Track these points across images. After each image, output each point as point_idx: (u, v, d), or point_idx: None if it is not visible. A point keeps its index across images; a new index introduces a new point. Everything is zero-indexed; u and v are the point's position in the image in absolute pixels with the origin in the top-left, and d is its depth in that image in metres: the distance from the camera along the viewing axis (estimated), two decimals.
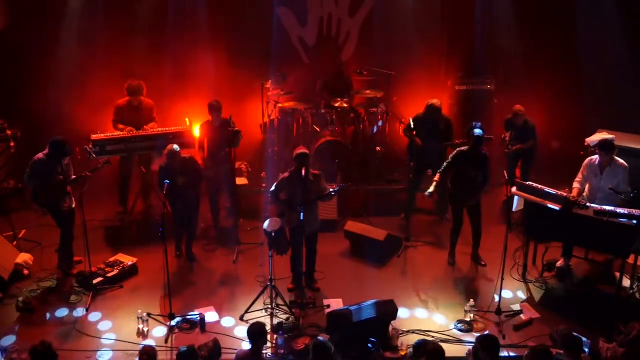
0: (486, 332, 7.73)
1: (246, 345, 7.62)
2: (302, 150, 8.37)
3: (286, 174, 8.38)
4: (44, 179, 8.54)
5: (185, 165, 9.01)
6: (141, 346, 7.03)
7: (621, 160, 8.49)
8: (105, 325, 8.08)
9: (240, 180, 10.49)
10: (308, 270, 8.77)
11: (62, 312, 8.30)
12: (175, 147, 8.93)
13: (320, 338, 6.51)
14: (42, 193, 8.58)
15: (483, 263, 9.22)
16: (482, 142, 8.76)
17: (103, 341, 7.81)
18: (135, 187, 10.58)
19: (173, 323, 8.00)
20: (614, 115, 10.70)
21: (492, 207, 9.17)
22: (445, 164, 8.94)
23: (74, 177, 8.71)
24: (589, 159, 8.66)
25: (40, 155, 8.60)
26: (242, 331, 7.94)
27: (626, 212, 7.91)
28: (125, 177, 10.38)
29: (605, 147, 8.44)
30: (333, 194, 8.37)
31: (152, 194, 10.48)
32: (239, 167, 10.76)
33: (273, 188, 8.44)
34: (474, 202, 8.92)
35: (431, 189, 8.72)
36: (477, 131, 8.82)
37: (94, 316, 8.23)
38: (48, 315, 8.25)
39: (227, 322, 8.19)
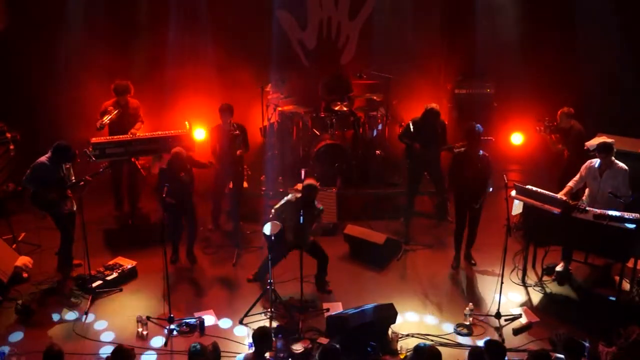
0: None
1: (245, 349, 7.65)
2: (311, 182, 8.42)
3: (292, 199, 8.47)
4: (44, 183, 8.52)
5: (185, 165, 9.00)
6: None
7: (621, 164, 8.50)
8: (104, 328, 8.07)
9: None
10: (319, 275, 8.80)
11: (62, 315, 8.28)
12: (181, 149, 8.93)
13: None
14: (41, 196, 8.57)
15: (473, 262, 9.28)
16: (478, 139, 8.77)
17: (102, 344, 7.80)
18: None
19: (172, 326, 7.99)
20: (614, 119, 10.71)
21: (491, 210, 9.16)
22: (448, 168, 9.07)
23: (73, 180, 8.71)
24: (589, 161, 8.67)
25: (42, 159, 8.57)
26: (241, 334, 7.95)
27: (625, 216, 7.92)
28: (117, 182, 10.36)
29: (603, 149, 8.46)
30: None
31: (141, 197, 10.44)
32: None
33: (277, 206, 8.54)
34: (477, 205, 8.90)
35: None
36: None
37: (93, 319, 8.22)
38: (47, 318, 8.23)
39: (227, 325, 8.19)
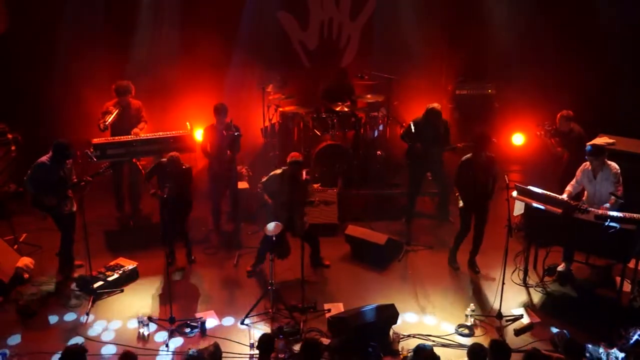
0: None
1: (246, 349, 7.65)
2: (296, 158, 8.65)
3: (278, 171, 8.76)
4: (45, 184, 8.53)
5: (181, 175, 8.95)
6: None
7: (613, 164, 8.48)
8: (105, 329, 8.07)
9: (241, 184, 10.50)
10: (314, 255, 9.06)
11: (63, 316, 8.28)
12: (178, 154, 8.95)
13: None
14: (42, 196, 8.58)
15: (477, 270, 9.21)
16: (487, 146, 8.76)
17: (103, 345, 7.79)
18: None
19: (174, 327, 7.98)
20: (615, 119, 10.70)
21: (493, 211, 9.16)
22: (455, 176, 9.00)
23: (75, 180, 8.71)
24: (583, 164, 8.65)
25: (43, 158, 8.58)
26: (242, 335, 7.95)
27: (627, 217, 7.91)
28: (118, 182, 10.35)
29: (593, 152, 8.43)
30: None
31: (142, 197, 10.42)
32: (240, 171, 10.76)
33: (264, 180, 8.87)
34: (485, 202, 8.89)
35: (461, 203, 9.00)
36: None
37: (94, 320, 8.22)
38: (48, 319, 8.23)
39: (228, 326, 8.18)
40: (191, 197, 9.23)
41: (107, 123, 9.71)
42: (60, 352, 6.58)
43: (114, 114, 9.77)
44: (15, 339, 7.85)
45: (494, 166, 8.83)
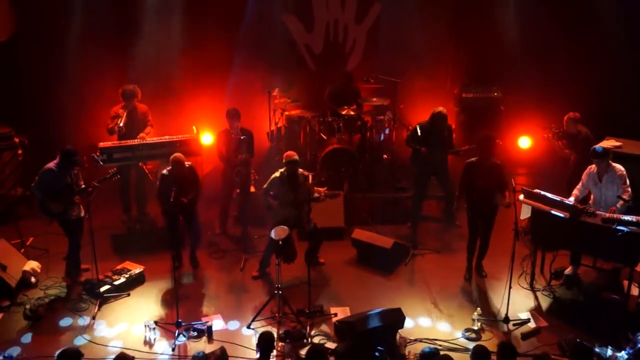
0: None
1: (253, 353, 7.64)
2: (292, 157, 8.70)
3: (277, 174, 8.79)
4: (52, 190, 8.54)
5: (187, 175, 8.97)
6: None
7: (618, 166, 8.46)
8: (112, 333, 8.08)
9: None
10: (310, 253, 9.00)
11: (69, 320, 8.29)
12: (180, 155, 8.94)
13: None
14: (49, 202, 8.59)
15: (484, 274, 9.18)
16: (491, 148, 8.73)
17: (110, 349, 7.79)
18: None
19: (180, 331, 7.98)
20: (622, 122, 10.66)
21: (500, 215, 9.14)
22: (459, 181, 8.98)
23: (83, 186, 8.72)
24: (589, 167, 8.62)
25: (50, 164, 8.59)
26: (249, 339, 7.94)
27: (634, 220, 7.87)
28: (125, 186, 10.36)
29: (597, 155, 8.40)
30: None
31: (149, 201, 10.41)
32: None
33: (265, 186, 8.91)
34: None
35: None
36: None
37: (100, 324, 8.23)
38: (55, 323, 8.24)
39: (234, 330, 8.18)
40: (199, 193, 9.20)
41: (121, 125, 9.72)
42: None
43: (124, 116, 9.79)
44: (21, 343, 7.85)
45: (501, 173, 8.76)
